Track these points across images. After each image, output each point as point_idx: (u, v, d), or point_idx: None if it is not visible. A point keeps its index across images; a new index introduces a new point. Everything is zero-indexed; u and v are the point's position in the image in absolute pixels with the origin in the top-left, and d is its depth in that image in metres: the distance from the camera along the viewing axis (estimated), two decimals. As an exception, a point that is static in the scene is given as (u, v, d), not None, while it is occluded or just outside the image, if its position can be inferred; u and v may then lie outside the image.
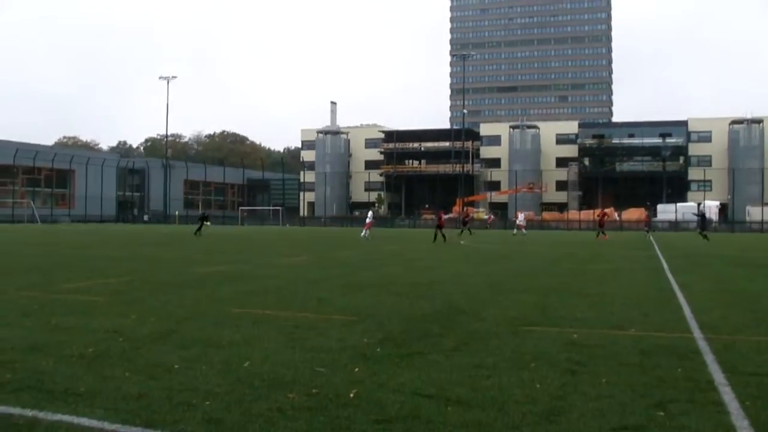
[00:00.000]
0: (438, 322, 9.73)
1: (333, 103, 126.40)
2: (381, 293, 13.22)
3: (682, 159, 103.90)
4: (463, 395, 5.85)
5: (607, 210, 72.29)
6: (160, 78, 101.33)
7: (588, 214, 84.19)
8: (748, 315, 10.83)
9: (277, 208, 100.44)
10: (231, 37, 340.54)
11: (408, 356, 7.38)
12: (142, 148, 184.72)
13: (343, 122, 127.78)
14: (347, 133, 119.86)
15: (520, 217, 53.40)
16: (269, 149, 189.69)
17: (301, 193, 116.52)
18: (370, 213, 48.01)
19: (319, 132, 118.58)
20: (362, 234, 43.00)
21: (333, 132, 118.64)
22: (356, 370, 6.73)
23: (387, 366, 6.91)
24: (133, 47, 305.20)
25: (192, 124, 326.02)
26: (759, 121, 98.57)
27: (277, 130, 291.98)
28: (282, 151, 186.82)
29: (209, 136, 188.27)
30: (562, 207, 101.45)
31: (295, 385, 6.14)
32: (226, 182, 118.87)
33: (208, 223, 46.56)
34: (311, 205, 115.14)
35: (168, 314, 10.18)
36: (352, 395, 5.80)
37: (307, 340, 8.20)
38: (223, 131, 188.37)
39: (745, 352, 7.83)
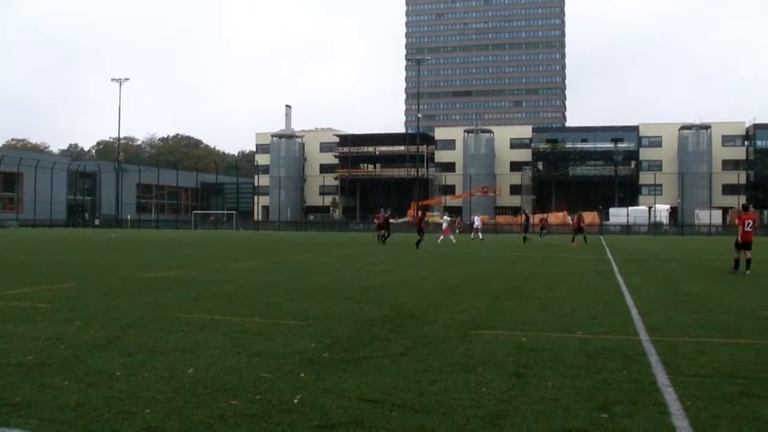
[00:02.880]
0: (387, 326, 9.69)
1: (288, 107, 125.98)
2: (331, 298, 13.15)
3: (633, 163, 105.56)
4: (408, 400, 5.82)
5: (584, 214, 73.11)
6: (112, 80, 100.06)
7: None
8: (693, 316, 11.00)
9: (231, 212, 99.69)
10: (186, 39, 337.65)
11: (355, 361, 7.33)
12: (93, 151, 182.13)
13: (298, 126, 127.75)
14: (302, 137, 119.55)
15: (476, 221, 52.90)
16: (224, 153, 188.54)
17: (256, 197, 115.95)
18: (446, 218, 47.50)
19: (273, 136, 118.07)
20: (440, 240, 42.33)
21: (288, 136, 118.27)
22: (302, 375, 6.66)
23: (333, 371, 6.85)
24: (86, 49, 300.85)
25: (145, 127, 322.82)
26: (707, 127, 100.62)
27: (231, 134, 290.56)
28: (236, 154, 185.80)
29: (163, 140, 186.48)
30: (516, 211, 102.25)
31: (238, 391, 6.05)
32: (180, 186, 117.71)
33: None
34: (266, 209, 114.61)
35: (113, 320, 10.00)
36: (296, 401, 5.74)
37: (253, 346, 8.11)
38: (177, 134, 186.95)
39: (688, 353, 7.93)
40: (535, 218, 60.62)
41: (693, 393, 6.11)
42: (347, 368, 6.99)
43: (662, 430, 5.08)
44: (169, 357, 7.45)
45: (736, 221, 20.49)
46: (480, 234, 49.47)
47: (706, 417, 5.39)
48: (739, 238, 19.82)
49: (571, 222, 61.19)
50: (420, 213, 35.77)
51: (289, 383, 6.34)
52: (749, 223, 19.61)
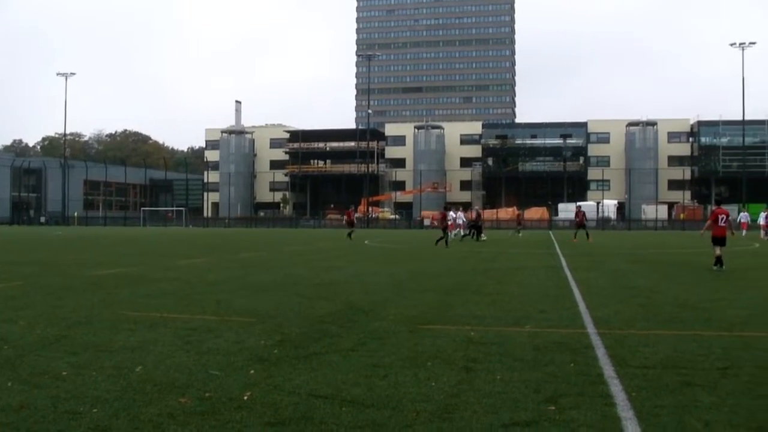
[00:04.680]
0: (337, 322, 9.71)
1: (238, 103, 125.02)
2: (281, 294, 13.12)
3: (582, 159, 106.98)
4: (358, 395, 5.84)
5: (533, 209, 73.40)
6: (57, 74, 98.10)
7: (491, 214, 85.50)
8: (639, 309, 11.20)
9: (180, 208, 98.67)
10: (134, 33, 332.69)
11: (305, 357, 7.33)
12: (39, 147, 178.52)
13: (248, 122, 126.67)
14: (252, 133, 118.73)
15: (451, 216, 48.72)
16: (173, 149, 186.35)
17: (205, 194, 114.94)
18: (451, 214, 46.32)
19: (223, 132, 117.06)
20: (453, 234, 41.88)
21: (237, 132, 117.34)
22: (252, 372, 6.65)
23: (283, 367, 6.85)
24: (30, 41, 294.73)
25: (92, 122, 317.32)
26: (653, 124, 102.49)
27: (180, 130, 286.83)
28: (186, 150, 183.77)
29: (110, 135, 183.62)
30: (466, 206, 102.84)
31: (188, 389, 6.02)
32: (128, 182, 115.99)
33: None
34: (215, 205, 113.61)
35: (59, 319, 9.84)
36: (245, 398, 5.72)
37: (203, 343, 8.06)
38: (125, 130, 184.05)
39: (634, 345, 8.09)
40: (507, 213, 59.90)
41: (638, 384, 6.24)
42: (297, 364, 6.99)
43: (607, 420, 5.18)
44: (117, 356, 7.36)
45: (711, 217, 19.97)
46: (462, 230, 47.32)
47: (650, 407, 5.52)
48: (715, 233, 19.25)
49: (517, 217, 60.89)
50: (443, 212, 33.75)
51: (238, 380, 6.32)
52: (723, 218, 19.20)
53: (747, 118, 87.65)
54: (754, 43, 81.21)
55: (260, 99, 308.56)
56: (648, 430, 4.96)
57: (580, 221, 40.78)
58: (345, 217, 46.53)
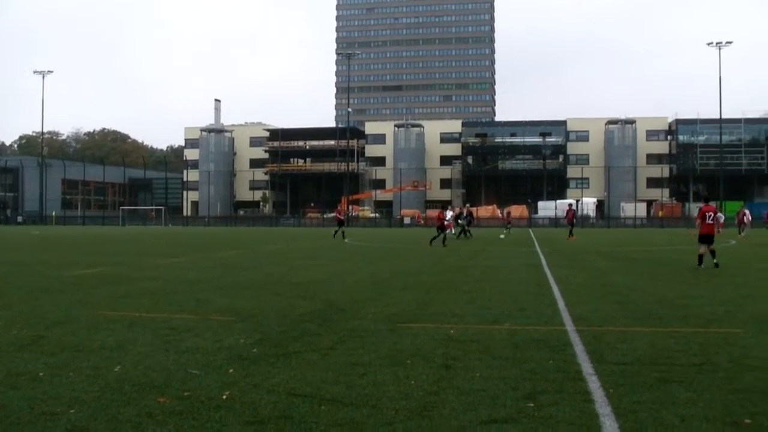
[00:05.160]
0: (316, 321, 9.70)
1: (217, 101, 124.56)
2: (261, 293, 13.10)
3: (561, 157, 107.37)
4: (337, 394, 5.85)
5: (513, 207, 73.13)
6: (35, 72, 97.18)
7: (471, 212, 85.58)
8: (617, 306, 11.29)
9: (160, 207, 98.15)
10: (113, 31, 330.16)
11: (284, 356, 7.33)
12: (16, 146, 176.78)
13: (227, 120, 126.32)
14: (231, 132, 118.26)
15: (448, 215, 47.88)
16: (152, 148, 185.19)
17: (185, 193, 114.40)
18: (449, 213, 45.88)
19: (203, 130, 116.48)
20: (454, 234, 41.74)
21: (217, 130, 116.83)
22: (231, 371, 6.64)
23: (262, 366, 6.84)
24: (7, 40, 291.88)
25: (70, 121, 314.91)
26: (632, 122, 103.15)
27: (159, 128, 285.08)
28: (165, 149, 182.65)
29: (89, 134, 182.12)
30: (446, 205, 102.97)
31: (166, 388, 6.00)
32: (107, 181, 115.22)
33: None
34: (195, 204, 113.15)
35: (37, 320, 9.77)
36: (225, 397, 5.72)
37: (182, 342, 8.04)
38: (104, 129, 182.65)
39: (612, 342, 8.15)
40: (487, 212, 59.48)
41: (616, 380, 6.29)
42: (277, 363, 6.98)
43: (586, 417, 5.22)
44: (95, 356, 7.32)
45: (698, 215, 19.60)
46: (451, 230, 46.40)
47: (628, 403, 5.57)
48: (701, 231, 19.05)
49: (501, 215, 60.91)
50: (441, 211, 33.40)
51: (217, 379, 6.31)
52: (710, 216, 18.96)
53: (724, 116, 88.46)
54: (730, 43, 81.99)
55: (240, 97, 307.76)
56: (625, 426, 5.00)
57: (570, 219, 40.64)
58: (335, 215, 46.12)
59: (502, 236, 43.70)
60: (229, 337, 8.41)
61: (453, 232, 41.45)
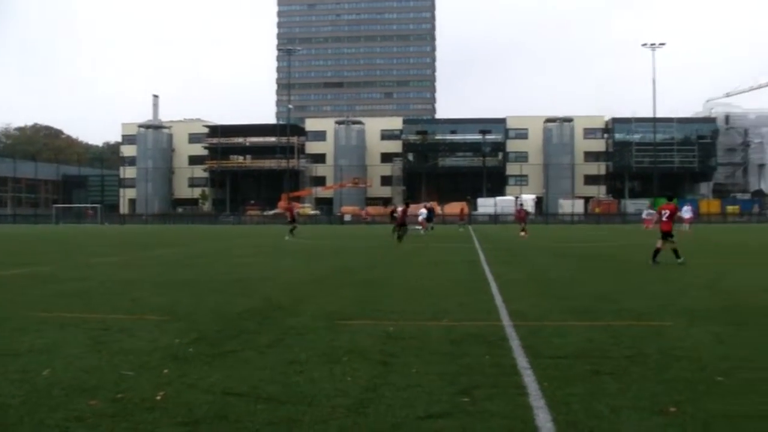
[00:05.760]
0: (254, 319, 9.63)
1: (155, 97, 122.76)
2: (199, 291, 12.95)
3: (500, 155, 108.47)
4: (274, 392, 5.82)
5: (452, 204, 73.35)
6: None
7: (414, 208, 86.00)
8: (554, 302, 11.43)
9: (95, 205, 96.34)
10: (46, 22, 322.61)
11: (221, 355, 7.25)
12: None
13: (165, 116, 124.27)
14: (170, 128, 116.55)
15: (423, 214, 45.37)
16: (87, 144, 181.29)
17: (122, 190, 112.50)
18: (423, 211, 45.41)
19: (140, 126, 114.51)
20: (422, 232, 41.38)
21: (155, 126, 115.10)
22: (166, 371, 6.53)
23: (198, 366, 6.75)
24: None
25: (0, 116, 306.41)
26: (570, 120, 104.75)
27: (95, 124, 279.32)
28: (101, 145, 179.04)
29: (19, 129, 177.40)
30: (386, 202, 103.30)
31: (98, 390, 5.87)
32: (39, 178, 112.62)
33: None
34: (132, 202, 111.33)
35: (-36, 321, 9.48)
36: (159, 398, 5.63)
37: (116, 343, 7.88)
38: (35, 124, 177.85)
39: (548, 336, 8.26)
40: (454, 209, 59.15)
41: (550, 374, 6.38)
42: (213, 362, 6.91)
43: (520, 410, 5.29)
44: (22, 359, 7.12)
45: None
46: (422, 228, 44.75)
47: (561, 396, 5.66)
48: (660, 228, 19.45)
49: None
50: (405, 207, 33.04)
51: (152, 380, 6.21)
52: (666, 213, 19.38)
53: (658, 116, 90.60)
54: (663, 44, 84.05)
55: (179, 93, 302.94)
56: (558, 418, 5.08)
57: (521, 217, 41.00)
58: (287, 212, 45.39)
59: (461, 230, 44.27)
60: (165, 336, 8.29)
61: (424, 230, 41.75)
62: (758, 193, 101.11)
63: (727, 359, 7.03)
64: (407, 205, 34.74)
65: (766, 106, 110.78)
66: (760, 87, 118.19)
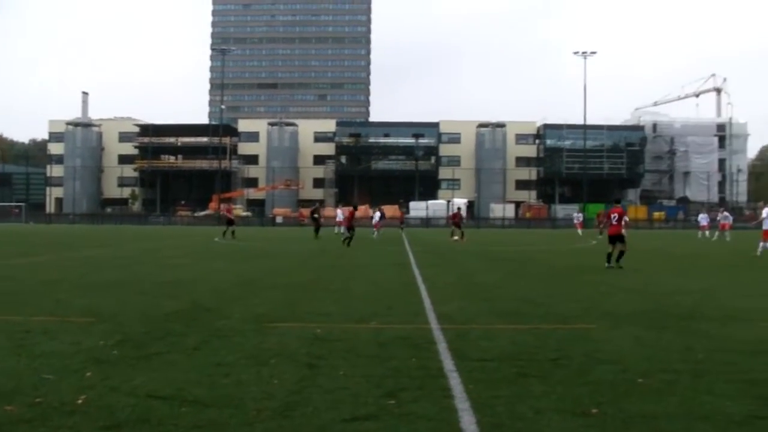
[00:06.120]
0: (182, 321, 9.52)
1: (85, 94, 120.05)
2: (125, 293, 12.72)
3: (433, 159, 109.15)
4: (199, 395, 5.76)
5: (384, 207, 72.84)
6: None
7: (345, 211, 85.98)
8: (482, 305, 11.58)
9: (20, 204, 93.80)
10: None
11: (146, 357, 7.15)
12: None
13: (95, 114, 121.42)
14: (99, 126, 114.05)
15: (376, 217, 45.05)
16: (12, 141, 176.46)
17: (48, 189, 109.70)
18: (378, 214, 44.51)
19: (68, 123, 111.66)
20: (374, 235, 40.81)
21: (84, 124, 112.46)
22: (88, 374, 6.41)
23: (122, 369, 6.65)
24: None
25: None
26: (502, 126, 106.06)
27: (21, 120, 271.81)
28: (27, 142, 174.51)
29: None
30: (319, 204, 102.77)
31: (16, 395, 5.71)
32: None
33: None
34: (59, 201, 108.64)
35: None
36: (80, 401, 5.51)
37: (36, 346, 7.69)
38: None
39: (475, 339, 8.37)
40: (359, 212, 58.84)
41: (476, 376, 6.46)
42: (137, 365, 6.81)
43: (445, 412, 5.34)
44: (-63, 362, 6.91)
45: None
46: (378, 231, 43.91)
47: (486, 398, 5.73)
48: (609, 232, 19.75)
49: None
50: (352, 209, 32.20)
51: (73, 384, 6.08)
52: (615, 217, 19.62)
53: (588, 123, 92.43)
54: (594, 53, 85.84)
55: (110, 91, 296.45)
56: (482, 420, 5.14)
57: (456, 221, 40.40)
58: (225, 214, 44.61)
59: (374, 236, 43.88)
60: (89, 339, 8.12)
61: (378, 233, 41.58)
62: (683, 200, 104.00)
63: (648, 361, 7.23)
64: (355, 208, 34.16)
65: (691, 116, 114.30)
66: (686, 96, 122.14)
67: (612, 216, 19.75)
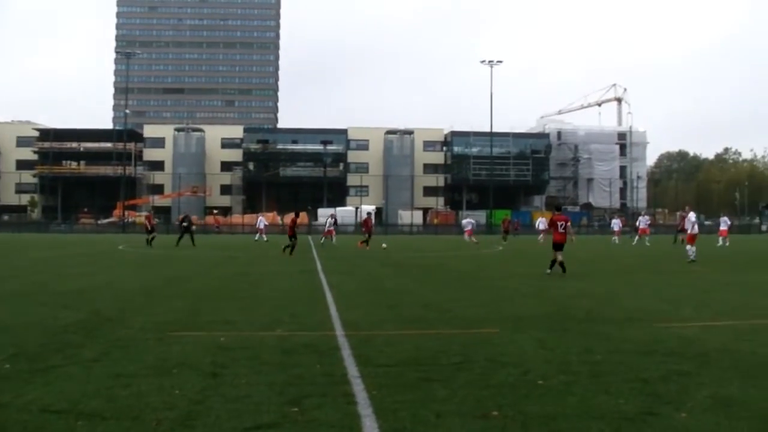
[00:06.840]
0: (81, 332, 9.26)
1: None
2: (22, 304, 12.32)
3: (342, 165, 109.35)
4: (97, 407, 5.61)
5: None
6: None
7: (252, 218, 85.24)
8: (387, 311, 11.66)
9: None
10: None
11: (41, 371, 6.91)
12: None
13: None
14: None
15: (329, 222, 44.61)
16: None
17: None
18: (330, 220, 43.11)
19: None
20: (322, 241, 40.58)
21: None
22: (-23, 390, 6.17)
23: (15, 383, 6.41)
24: None
25: None
26: (410, 132, 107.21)
27: None
28: None
29: None
30: (226, 211, 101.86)
31: None
32: None
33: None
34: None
35: None
36: (-34, 420, 5.30)
37: (-77, 360, 7.36)
38: None
39: (379, 345, 8.42)
40: (267, 218, 58.14)
41: (380, 382, 6.50)
42: (31, 379, 6.58)
43: (348, 419, 5.35)
44: None
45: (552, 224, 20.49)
46: (333, 237, 43.31)
47: (389, 403, 5.77)
48: (554, 239, 19.72)
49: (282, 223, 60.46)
50: (294, 217, 31.05)
51: (-40, 401, 5.84)
52: (561, 225, 19.63)
53: (494, 130, 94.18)
54: (501, 62, 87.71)
55: (6, 94, 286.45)
56: (385, 425, 5.18)
57: (368, 227, 40.52)
58: (145, 221, 43.36)
59: (322, 241, 43.44)
60: (-21, 352, 7.82)
61: (331, 238, 41.14)
62: (587, 206, 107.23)
63: (549, 363, 7.43)
64: (297, 215, 33.37)
65: (594, 124, 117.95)
66: (589, 105, 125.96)
67: (559, 224, 19.77)
